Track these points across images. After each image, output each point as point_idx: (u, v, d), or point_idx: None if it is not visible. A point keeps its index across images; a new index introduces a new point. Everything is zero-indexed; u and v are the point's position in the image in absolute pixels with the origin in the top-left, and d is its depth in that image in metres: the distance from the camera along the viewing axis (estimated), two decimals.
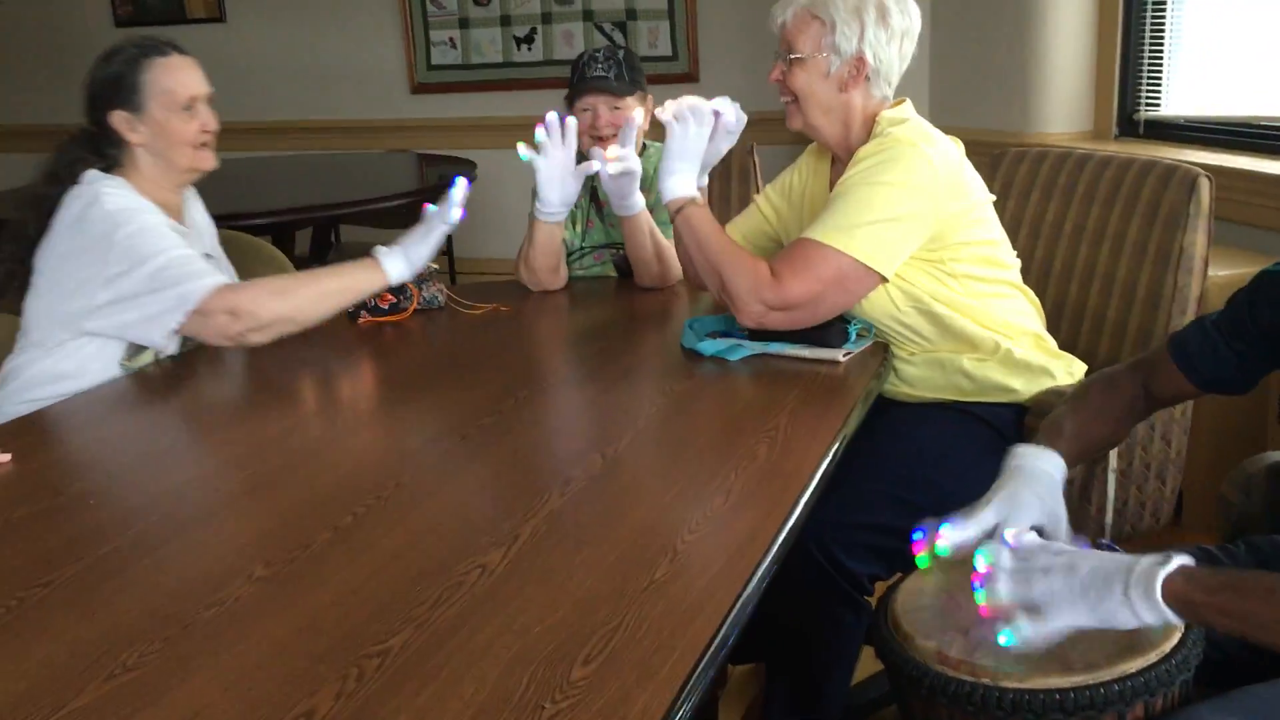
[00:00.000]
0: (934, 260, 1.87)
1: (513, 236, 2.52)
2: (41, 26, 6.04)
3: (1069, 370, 1.95)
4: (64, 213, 1.96)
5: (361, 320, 2.22)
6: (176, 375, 2.00)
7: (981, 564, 1.23)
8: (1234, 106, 3.32)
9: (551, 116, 2.23)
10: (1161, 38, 3.50)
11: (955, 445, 1.89)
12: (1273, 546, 1.47)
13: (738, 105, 2.03)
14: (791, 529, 1.33)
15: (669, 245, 2.37)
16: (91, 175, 1.99)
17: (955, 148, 1.91)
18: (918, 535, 1.37)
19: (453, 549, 1.27)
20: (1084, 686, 1.18)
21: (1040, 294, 2.19)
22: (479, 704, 0.99)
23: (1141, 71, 3.57)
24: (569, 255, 2.50)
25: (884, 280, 1.85)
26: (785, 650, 1.89)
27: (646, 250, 2.35)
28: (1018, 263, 2.00)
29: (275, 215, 3.59)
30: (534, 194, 2.32)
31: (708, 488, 1.41)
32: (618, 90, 2.38)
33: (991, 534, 1.33)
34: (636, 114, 2.26)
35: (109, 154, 2.02)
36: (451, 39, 5.36)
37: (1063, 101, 3.68)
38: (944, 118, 3.95)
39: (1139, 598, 1.14)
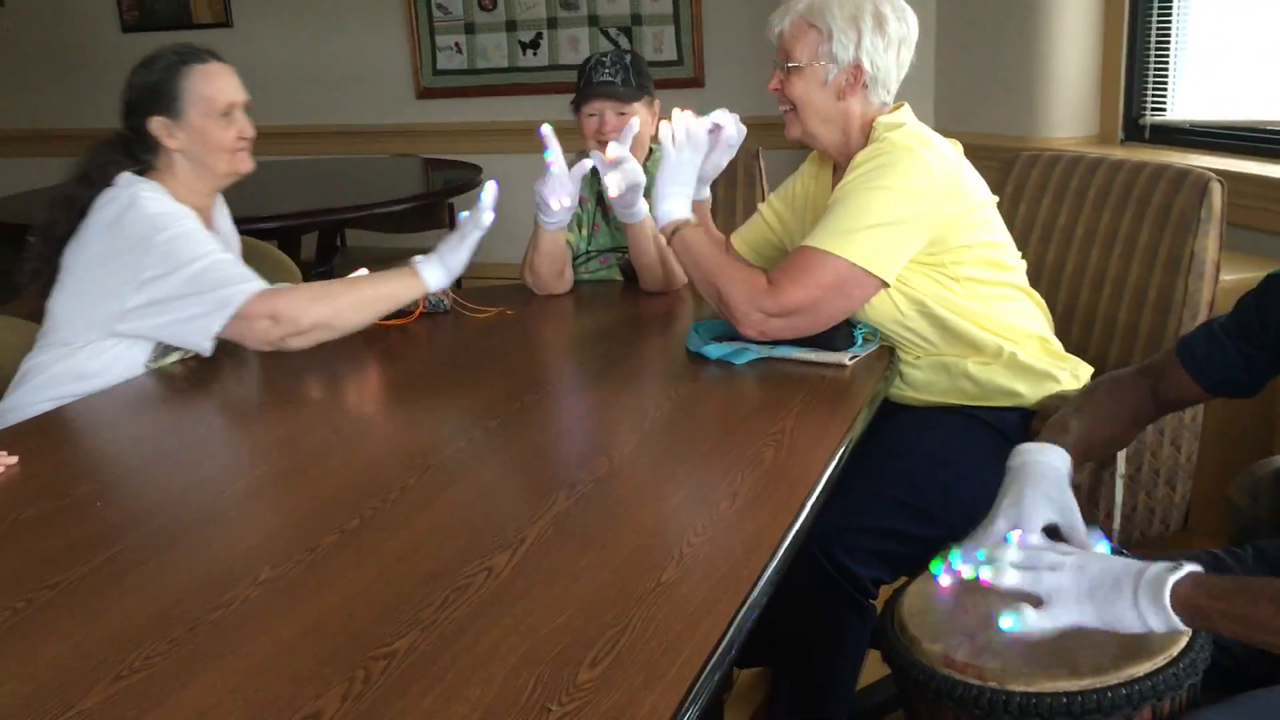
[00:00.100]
0: (935, 264, 1.87)
1: (518, 241, 2.52)
2: (48, 32, 6.06)
3: (1074, 374, 1.95)
4: (99, 214, 1.97)
5: None
6: (183, 378, 2.00)
7: (987, 575, 1.23)
8: (1240, 111, 3.32)
9: (545, 130, 2.23)
10: (1167, 42, 3.49)
11: (960, 449, 1.88)
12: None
13: (737, 118, 2.04)
14: (798, 533, 1.32)
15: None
16: (127, 178, 2.01)
17: (953, 150, 1.91)
18: (937, 569, 1.35)
19: (459, 551, 1.27)
20: (1091, 690, 1.18)
21: (1052, 298, 2.19)
22: (485, 706, 0.99)
23: (1147, 76, 3.57)
24: (575, 259, 2.50)
25: (885, 285, 1.85)
26: (790, 654, 1.89)
27: (651, 255, 2.35)
28: (1022, 264, 2.00)
29: (281, 219, 3.59)
30: (536, 200, 2.33)
31: (714, 491, 1.41)
32: (624, 96, 2.38)
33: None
34: (634, 121, 2.25)
35: (143, 158, 2.03)
36: (457, 44, 5.37)
37: (1068, 106, 3.68)
38: (949, 122, 3.96)
39: (1147, 603, 1.14)
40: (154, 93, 2.01)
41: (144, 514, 1.45)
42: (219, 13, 5.69)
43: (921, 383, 1.95)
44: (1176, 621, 1.14)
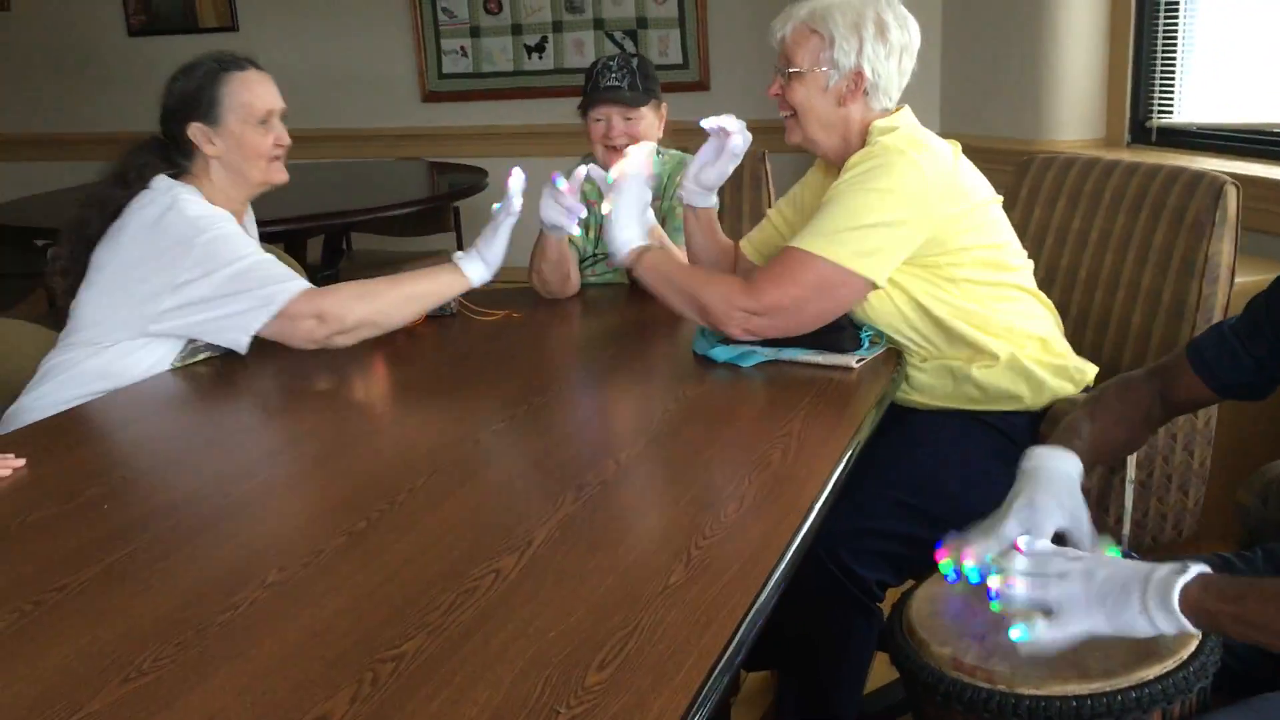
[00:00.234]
0: (931, 265, 1.87)
1: (524, 244, 2.52)
2: (54, 36, 6.08)
3: (1074, 378, 1.93)
4: (137, 215, 1.99)
5: None
6: (191, 381, 2.00)
7: (995, 583, 1.23)
8: (1247, 113, 3.31)
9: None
10: (1174, 44, 3.49)
11: (966, 453, 1.88)
12: None
13: (743, 125, 2.04)
14: (805, 536, 1.32)
15: (679, 252, 2.37)
16: (165, 182, 2.02)
17: (950, 150, 1.90)
18: (947, 569, 1.35)
19: (466, 554, 1.27)
20: (1101, 694, 1.18)
21: (1066, 302, 2.18)
22: (494, 709, 0.99)
23: (1154, 78, 3.57)
24: (581, 261, 2.50)
25: (875, 286, 1.85)
26: (796, 657, 1.88)
27: None
28: (1027, 265, 1.98)
29: (287, 223, 3.60)
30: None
31: (721, 493, 1.41)
32: (631, 101, 2.38)
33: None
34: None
35: (180, 163, 2.05)
36: (463, 48, 5.38)
37: (1075, 108, 3.68)
38: (955, 125, 3.96)
39: (1156, 606, 1.14)
40: (193, 99, 2.03)
41: (152, 516, 1.45)
42: (224, 17, 5.70)
43: (927, 386, 1.94)
44: (1186, 624, 1.13)
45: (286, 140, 2.10)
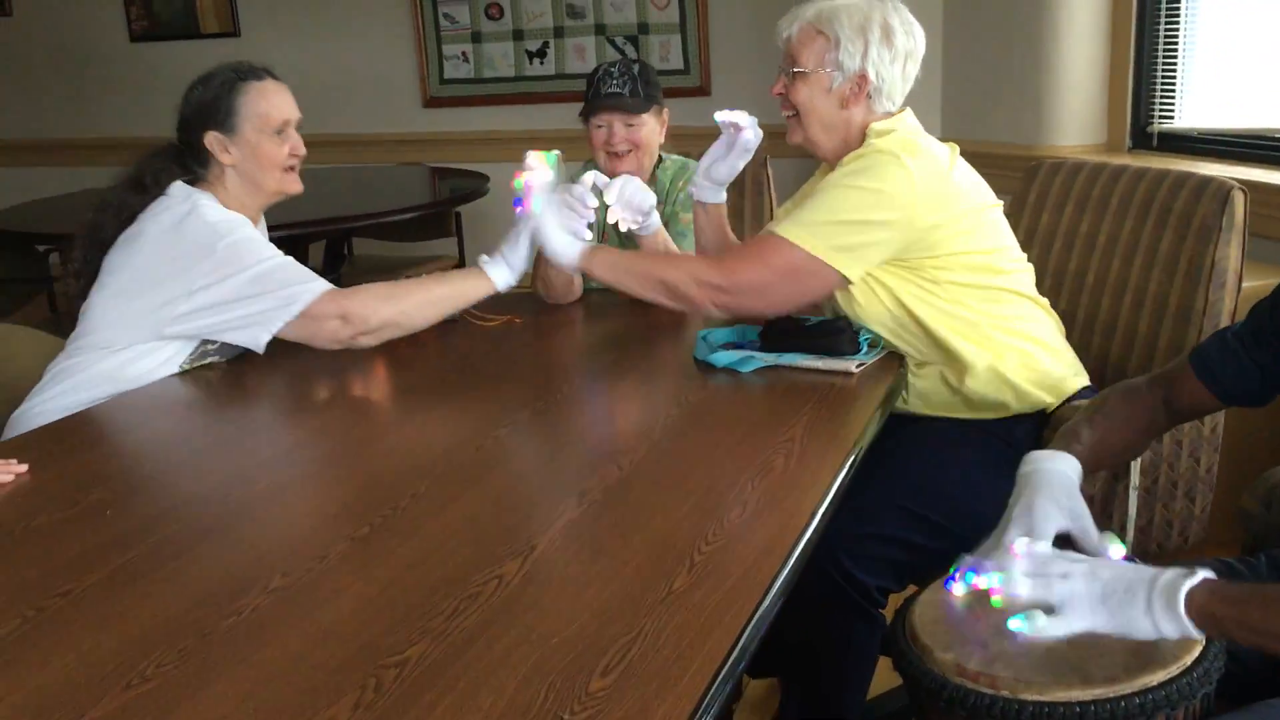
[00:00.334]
0: (915, 268, 1.87)
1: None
2: (56, 41, 6.09)
3: (1054, 390, 1.91)
4: (155, 220, 2.00)
5: None
6: (194, 386, 2.00)
7: (997, 584, 1.23)
8: (1248, 119, 3.31)
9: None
10: (1175, 50, 3.49)
11: (966, 458, 1.88)
12: None
13: (755, 121, 2.04)
14: (809, 542, 1.32)
15: None
16: (183, 189, 2.04)
17: (946, 155, 1.90)
18: (952, 582, 1.34)
19: (469, 560, 1.27)
20: (1104, 699, 1.17)
21: (1073, 307, 2.17)
22: (497, 715, 0.99)
23: (1155, 84, 3.57)
24: None
25: (847, 281, 1.85)
26: (798, 664, 1.88)
27: None
28: (1024, 269, 1.97)
29: (288, 228, 3.57)
30: None
31: (724, 499, 1.41)
32: (632, 107, 2.39)
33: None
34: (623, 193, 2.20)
35: (195, 170, 2.07)
36: (464, 53, 5.39)
37: (1076, 113, 3.68)
38: (956, 129, 3.96)
39: (1161, 609, 1.14)
40: (210, 108, 2.05)
41: (155, 521, 1.45)
42: (226, 22, 5.71)
43: (924, 393, 1.94)
44: (1190, 628, 1.13)
45: (302, 150, 2.12)
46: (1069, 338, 2.12)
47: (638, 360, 2.13)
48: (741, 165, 2.08)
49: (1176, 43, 3.49)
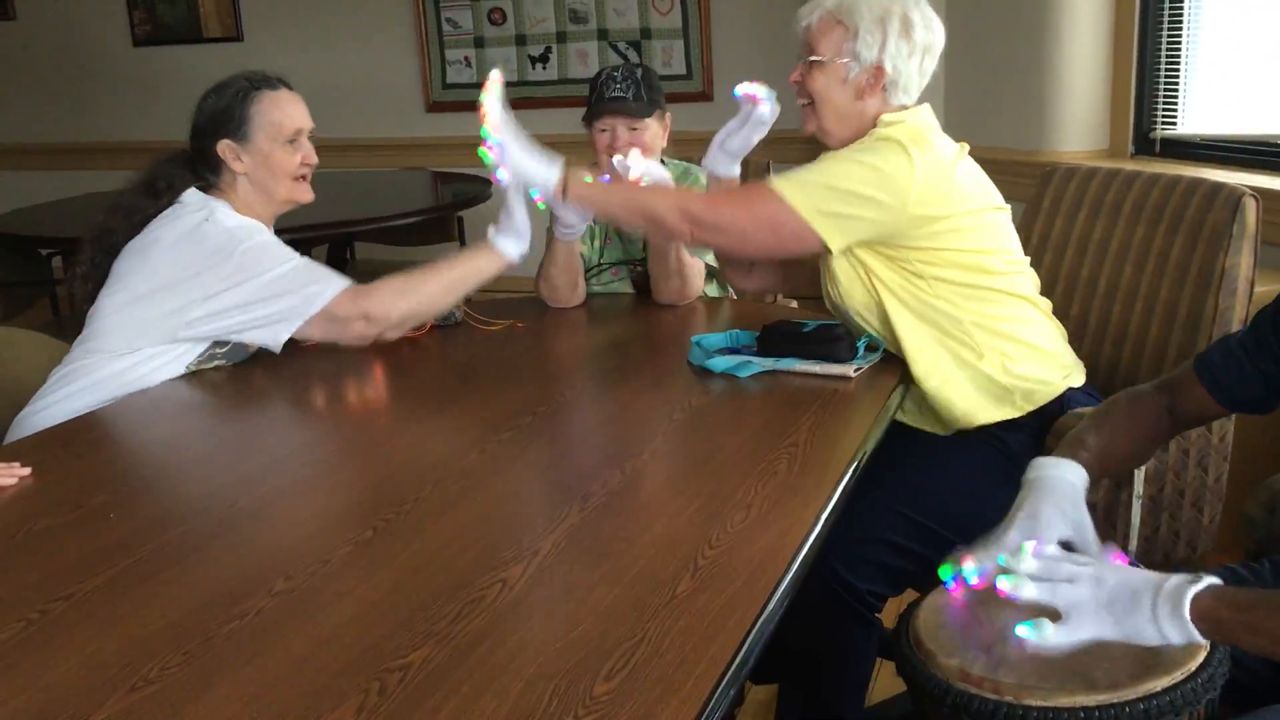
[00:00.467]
0: (901, 260, 1.87)
1: (529, 254, 2.53)
2: (59, 46, 6.09)
3: (1015, 403, 1.89)
4: (171, 226, 2.01)
5: None
6: (197, 390, 2.00)
7: (1004, 585, 1.23)
8: (1252, 125, 3.31)
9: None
10: (1178, 56, 3.49)
11: (959, 463, 1.88)
12: None
13: (774, 95, 2.04)
14: (812, 546, 1.32)
15: (692, 261, 2.38)
16: (198, 196, 2.06)
17: (953, 153, 1.90)
18: (947, 575, 1.34)
19: (473, 563, 1.27)
20: (1108, 705, 1.17)
21: (1084, 313, 2.16)
22: (502, 719, 0.98)
23: (1158, 89, 3.57)
24: (586, 270, 2.50)
25: (827, 250, 1.85)
26: (796, 669, 1.88)
27: (670, 264, 2.35)
28: (1021, 272, 1.95)
29: (290, 232, 3.56)
30: (550, 213, 2.33)
31: (728, 503, 1.40)
32: (636, 111, 2.39)
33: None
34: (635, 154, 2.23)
35: (207, 178, 2.09)
36: (467, 58, 5.39)
37: (1078, 119, 3.68)
38: (958, 134, 3.92)
39: (1166, 614, 1.13)
40: (224, 116, 2.06)
41: (158, 525, 1.45)
42: (229, 27, 5.72)
43: (911, 408, 1.94)
44: (1195, 634, 1.13)
45: (314, 159, 2.13)
46: (1080, 344, 2.11)
47: (640, 364, 2.13)
48: (755, 139, 2.07)
49: (1179, 48, 3.49)
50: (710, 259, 2.45)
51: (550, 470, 1.64)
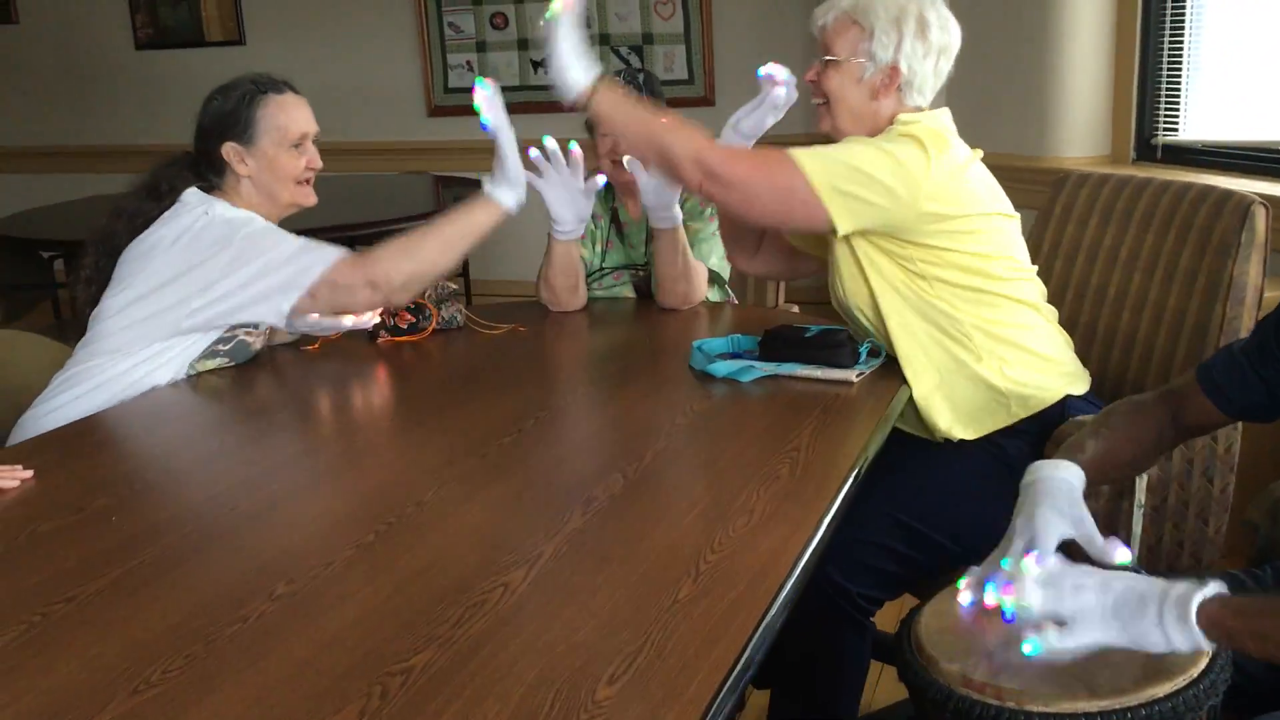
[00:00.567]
0: (905, 256, 1.87)
1: (529, 259, 2.53)
2: (62, 50, 6.10)
3: (1009, 410, 1.89)
4: (171, 224, 2.01)
5: (381, 340, 2.23)
6: (199, 393, 2.00)
7: (1009, 597, 1.22)
8: (1253, 131, 3.31)
9: (550, 144, 2.25)
10: (1179, 62, 3.50)
11: (955, 469, 1.88)
12: None
13: (793, 82, 2.04)
14: (814, 552, 1.32)
15: (698, 266, 2.38)
16: (197, 194, 2.06)
17: (965, 157, 1.90)
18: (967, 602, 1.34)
19: (475, 567, 1.27)
20: (1111, 711, 1.17)
21: (1093, 322, 2.15)
22: None
23: (1159, 95, 3.57)
24: (588, 275, 2.50)
25: (833, 231, 1.84)
26: (791, 674, 1.88)
27: (676, 267, 2.35)
28: (1025, 279, 1.94)
29: None
30: (548, 213, 2.34)
31: (730, 508, 1.40)
32: None
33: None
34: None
35: (210, 180, 2.09)
36: (469, 62, 5.40)
37: (1080, 125, 3.68)
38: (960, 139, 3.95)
39: (1173, 621, 1.13)
40: (229, 119, 2.06)
41: (160, 528, 1.45)
42: (232, 31, 5.73)
43: (910, 414, 1.94)
44: (1202, 641, 1.13)
45: (318, 163, 2.13)
46: (1088, 351, 2.10)
47: (642, 369, 2.13)
48: (769, 122, 2.07)
49: (1181, 54, 3.49)
50: (713, 263, 2.45)
51: (552, 474, 1.63)
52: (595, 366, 2.25)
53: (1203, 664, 1.21)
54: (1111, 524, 1.89)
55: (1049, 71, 3.67)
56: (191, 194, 2.05)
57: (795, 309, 2.67)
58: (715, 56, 5.05)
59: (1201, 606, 1.13)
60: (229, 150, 2.05)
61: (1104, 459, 1.46)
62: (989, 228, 1.90)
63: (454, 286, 2.32)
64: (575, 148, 2.26)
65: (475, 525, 1.42)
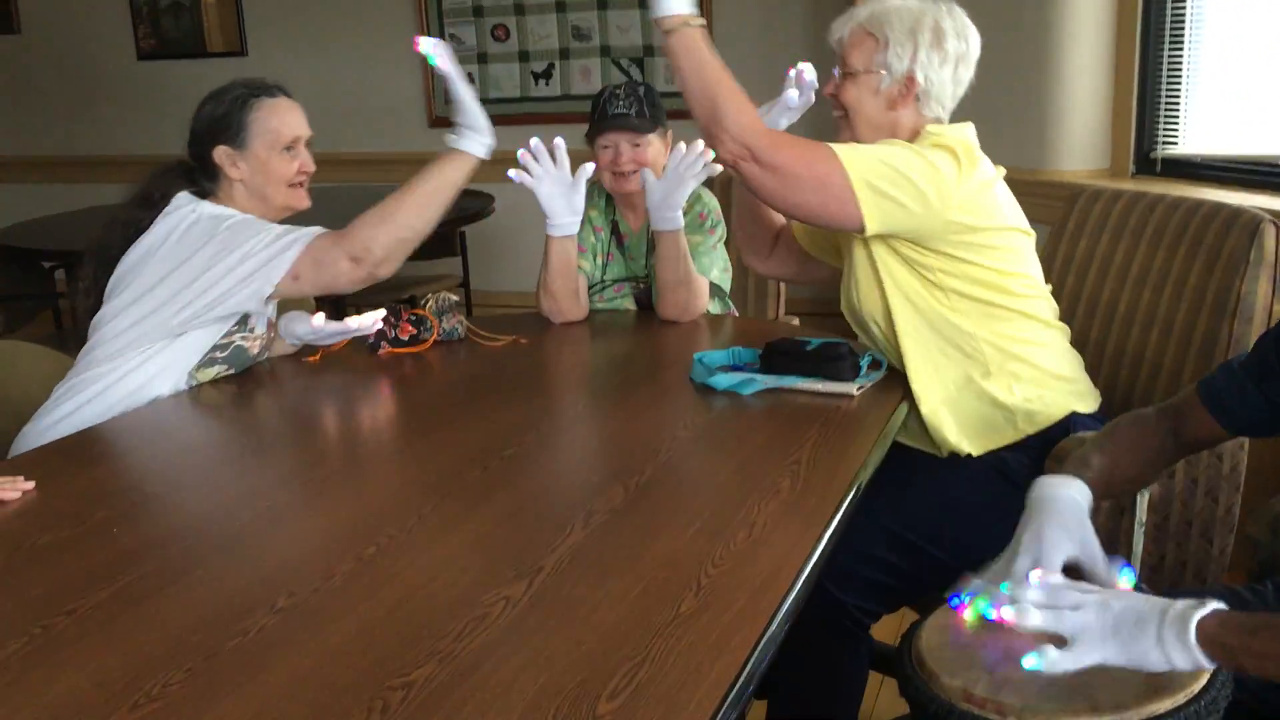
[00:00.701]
0: (924, 265, 1.87)
1: (529, 270, 2.53)
2: (64, 59, 6.12)
3: (1016, 426, 1.89)
4: (160, 227, 2.01)
5: (382, 352, 2.23)
6: (201, 404, 2.00)
7: (1009, 615, 1.23)
8: (1252, 145, 3.32)
9: (534, 142, 2.28)
10: (1179, 75, 3.51)
11: (954, 482, 1.88)
12: None
13: (813, 84, 2.04)
14: (815, 567, 1.32)
15: (699, 276, 2.38)
16: (186, 197, 2.06)
17: (990, 173, 1.91)
18: (955, 601, 1.34)
19: (476, 581, 1.27)
20: None
21: (1103, 338, 2.15)
22: None
23: (1159, 109, 3.58)
24: (590, 287, 2.50)
25: (861, 229, 1.83)
26: (788, 687, 1.87)
27: (677, 273, 2.35)
28: (1039, 296, 1.95)
29: None
30: (543, 211, 2.35)
31: (731, 521, 1.40)
32: (639, 127, 2.40)
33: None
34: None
35: (204, 185, 2.09)
36: (470, 74, 5.41)
37: (1079, 139, 3.69)
38: None
39: (1172, 640, 1.13)
40: (221, 123, 2.06)
41: (161, 540, 1.45)
42: (233, 42, 5.74)
43: (914, 427, 1.94)
44: (1202, 659, 1.13)
45: (311, 167, 2.13)
46: (1097, 367, 2.10)
47: (643, 381, 2.13)
48: (783, 124, 2.07)
49: (1180, 68, 3.50)
50: (714, 276, 2.45)
51: (553, 487, 1.63)
52: (596, 379, 2.25)
53: (1204, 681, 1.21)
54: (1112, 541, 1.88)
55: (1048, 85, 3.67)
56: (182, 196, 2.05)
57: (796, 321, 2.68)
58: None
59: (1200, 625, 1.13)
60: (221, 154, 2.05)
61: (1109, 475, 1.46)
62: (1009, 244, 1.91)
63: (455, 298, 2.32)
64: (560, 140, 2.28)
65: (476, 538, 1.42)
